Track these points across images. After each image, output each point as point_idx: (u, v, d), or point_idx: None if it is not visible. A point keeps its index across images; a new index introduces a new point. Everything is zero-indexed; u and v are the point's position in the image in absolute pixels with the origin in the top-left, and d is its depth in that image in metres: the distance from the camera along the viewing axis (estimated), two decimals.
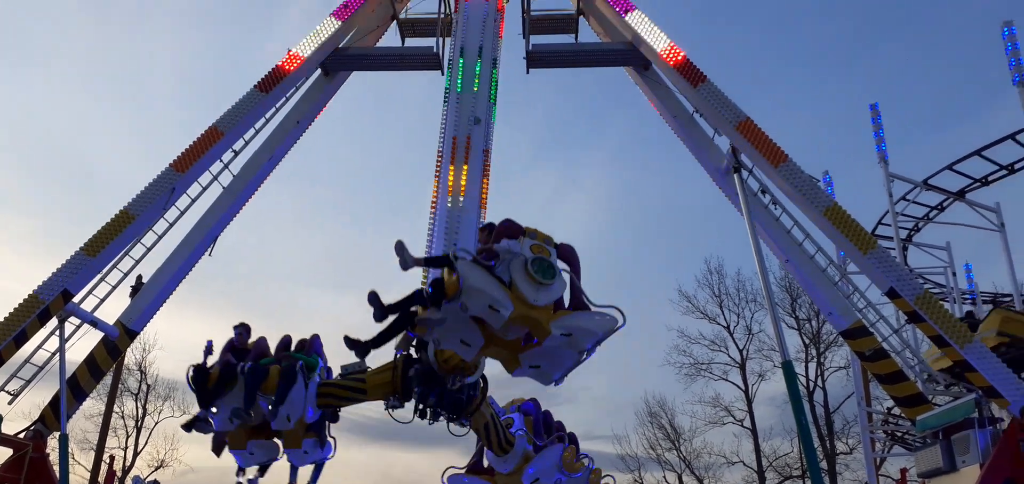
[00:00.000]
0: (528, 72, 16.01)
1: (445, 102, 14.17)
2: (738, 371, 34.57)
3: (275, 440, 9.73)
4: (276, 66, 15.06)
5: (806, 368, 32.58)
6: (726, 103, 14.02)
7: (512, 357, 8.21)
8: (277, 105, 15.22)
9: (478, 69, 14.22)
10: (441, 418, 9.50)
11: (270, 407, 9.10)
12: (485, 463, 12.14)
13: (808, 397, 31.76)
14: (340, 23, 15.63)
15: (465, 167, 13.06)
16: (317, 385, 9.51)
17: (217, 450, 9.86)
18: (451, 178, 13.04)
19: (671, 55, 14.49)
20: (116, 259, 13.48)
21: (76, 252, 12.99)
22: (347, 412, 10.58)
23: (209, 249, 14.56)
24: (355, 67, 16.34)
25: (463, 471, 12.23)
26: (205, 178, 14.46)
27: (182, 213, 14.25)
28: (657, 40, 14.70)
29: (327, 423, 10.08)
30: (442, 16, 16.09)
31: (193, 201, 14.37)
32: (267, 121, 15.15)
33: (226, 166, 14.72)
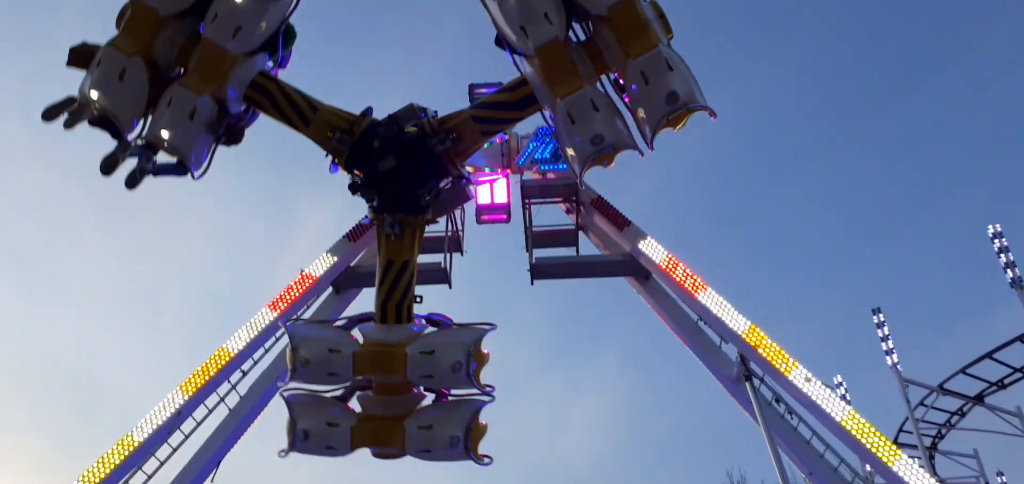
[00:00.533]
0: (532, 283, 16.50)
1: None
2: None
3: None
4: (288, 286, 15.50)
5: None
6: (729, 311, 14.17)
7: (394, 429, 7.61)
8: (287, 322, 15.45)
9: None
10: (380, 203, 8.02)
11: None
12: None
13: None
14: (352, 244, 16.29)
15: None
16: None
17: None
18: None
19: (669, 265, 14.89)
20: None
21: (75, 481, 12.66)
22: None
23: (211, 475, 14.10)
24: (366, 284, 16.77)
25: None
26: (212, 400, 14.37)
27: (186, 437, 14.00)
28: (655, 251, 15.17)
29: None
30: (449, 234, 16.80)
31: (198, 424, 14.17)
32: (276, 340, 15.32)
33: (233, 387, 14.66)
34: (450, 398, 7.78)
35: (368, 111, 7.91)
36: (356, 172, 7.90)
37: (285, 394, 7.53)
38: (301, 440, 7.41)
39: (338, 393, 7.81)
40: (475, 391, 7.42)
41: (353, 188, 8.00)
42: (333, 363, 7.30)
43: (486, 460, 7.36)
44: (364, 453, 7.68)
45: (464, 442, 7.17)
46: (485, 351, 7.29)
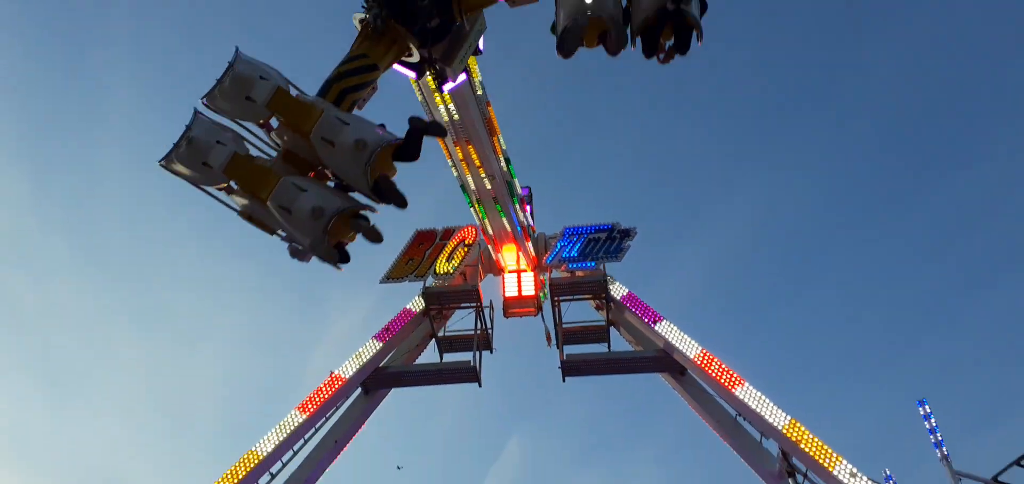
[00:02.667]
0: (564, 381, 16.29)
1: None
2: None
3: None
4: (317, 389, 15.48)
5: None
6: (768, 406, 13.81)
7: None
8: (317, 426, 15.37)
9: None
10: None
11: None
12: None
13: None
14: (381, 344, 16.33)
15: None
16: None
17: None
18: None
19: (705, 361, 14.63)
20: None
21: None
22: None
23: None
24: (395, 384, 16.71)
25: None
26: None
27: None
28: (689, 347, 14.95)
29: None
30: (478, 332, 16.78)
31: None
32: (305, 442, 15.20)
33: None
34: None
35: None
36: None
37: (199, 107, 7.15)
38: (182, 148, 7.02)
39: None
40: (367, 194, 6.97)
41: None
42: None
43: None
44: None
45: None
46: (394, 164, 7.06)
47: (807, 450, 13.11)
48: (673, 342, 15.18)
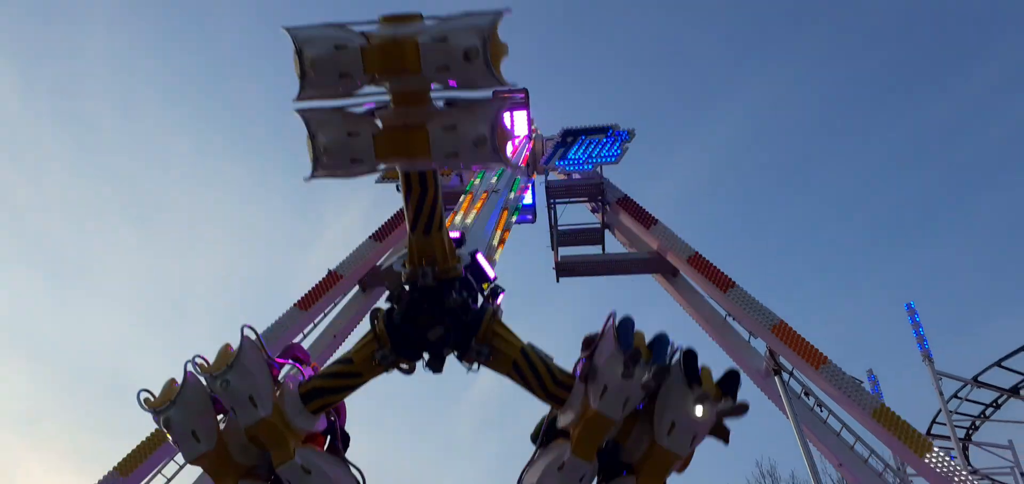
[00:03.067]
0: (558, 281, 16.54)
1: None
2: None
3: None
4: (316, 285, 15.71)
5: None
6: (757, 307, 14.09)
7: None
8: (316, 321, 15.68)
9: None
10: (446, 357, 6.85)
11: None
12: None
13: None
14: (378, 244, 16.46)
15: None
16: (299, 385, 7.12)
17: None
18: None
19: (697, 262, 14.83)
20: (149, 478, 13.35)
21: (109, 471, 13.01)
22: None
23: None
24: None
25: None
26: None
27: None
28: (682, 249, 15.12)
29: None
30: None
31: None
32: (304, 337, 15.53)
33: None
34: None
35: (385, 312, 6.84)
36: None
37: (299, 110, 6.22)
38: (322, 157, 6.25)
39: (358, 110, 6.32)
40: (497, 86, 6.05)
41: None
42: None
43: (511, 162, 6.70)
44: None
45: (491, 141, 5.97)
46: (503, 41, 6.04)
47: (794, 349, 13.51)
48: (667, 244, 15.34)
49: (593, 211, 17.35)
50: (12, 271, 62.74)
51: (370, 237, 16.50)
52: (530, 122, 17.85)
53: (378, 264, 16.58)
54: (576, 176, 17.16)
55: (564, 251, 16.63)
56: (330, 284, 15.79)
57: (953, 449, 19.51)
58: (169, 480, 13.56)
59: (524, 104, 16.20)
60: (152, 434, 13.47)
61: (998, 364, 20.33)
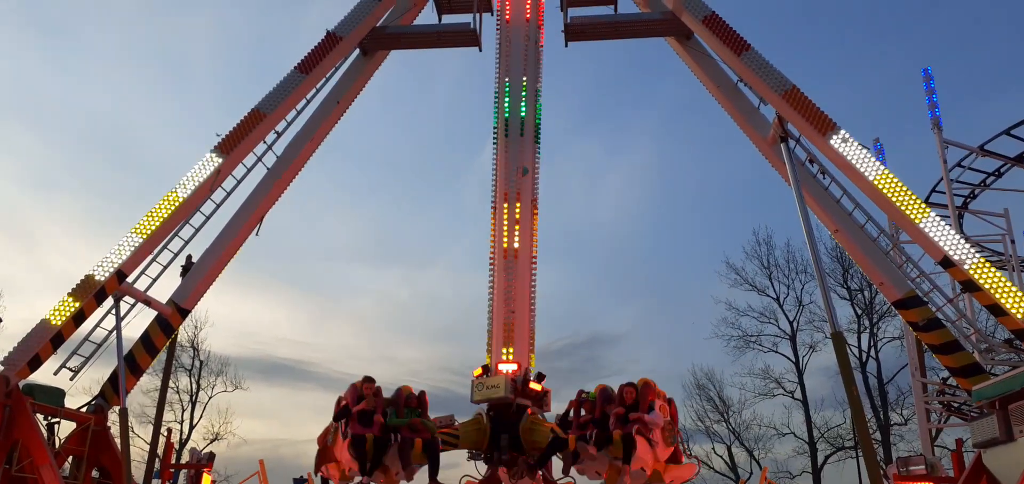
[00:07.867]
0: (566, 45, 15.84)
1: (494, 142, 14.19)
2: (788, 343, 34.11)
3: None
4: (315, 47, 15.19)
5: (859, 339, 32.04)
6: (771, 72, 13.67)
7: None
8: (318, 86, 15.37)
9: (523, 112, 14.08)
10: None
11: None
12: None
13: (861, 368, 31.21)
14: (377, 3, 15.66)
15: (516, 227, 13.35)
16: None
17: None
18: (505, 238, 13.37)
19: (713, 23, 14.15)
20: (166, 240, 13.86)
21: (128, 233, 13.42)
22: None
23: (256, 228, 14.84)
24: (393, 46, 16.35)
25: None
26: (250, 159, 14.72)
27: (228, 194, 14.54)
28: (698, 9, 14.37)
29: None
30: None
31: (238, 182, 14.64)
32: (308, 102, 15.33)
33: (269, 147, 14.95)
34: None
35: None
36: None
37: None
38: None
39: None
40: None
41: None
42: None
43: None
44: None
45: None
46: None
47: (803, 116, 13.30)
48: (683, 3, 14.55)
49: None
50: (5, 32, 60.78)
51: None
52: None
53: (377, 25, 15.90)
54: None
55: (574, 12, 15.75)
56: (329, 46, 15.25)
57: (949, 217, 19.88)
58: (186, 242, 14.14)
59: None
60: (166, 197, 13.80)
61: (1006, 133, 20.04)
